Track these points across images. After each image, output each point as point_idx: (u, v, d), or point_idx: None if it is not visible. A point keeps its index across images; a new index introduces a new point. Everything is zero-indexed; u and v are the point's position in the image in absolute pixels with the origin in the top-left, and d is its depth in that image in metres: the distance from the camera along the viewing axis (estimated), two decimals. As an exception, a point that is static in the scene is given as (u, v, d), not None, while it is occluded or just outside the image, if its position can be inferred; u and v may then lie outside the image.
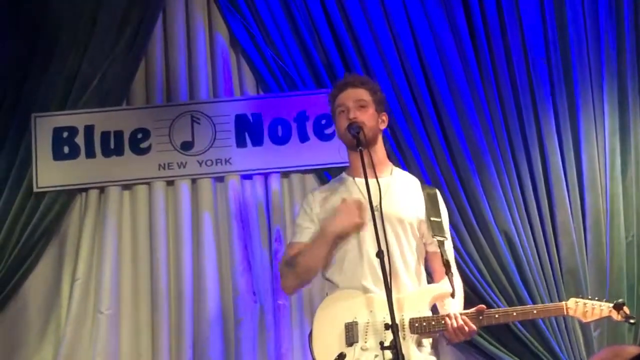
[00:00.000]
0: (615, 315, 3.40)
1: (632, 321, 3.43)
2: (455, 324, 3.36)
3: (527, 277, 4.40)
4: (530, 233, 4.48)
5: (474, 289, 4.37)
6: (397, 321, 3.21)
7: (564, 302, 3.50)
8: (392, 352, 3.14)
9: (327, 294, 3.57)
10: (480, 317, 3.41)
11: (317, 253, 3.50)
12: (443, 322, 3.38)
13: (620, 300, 3.44)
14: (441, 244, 3.56)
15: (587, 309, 3.43)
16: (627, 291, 4.35)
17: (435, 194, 3.70)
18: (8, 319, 4.65)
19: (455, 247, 4.40)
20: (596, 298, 3.48)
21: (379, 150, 3.65)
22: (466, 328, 3.37)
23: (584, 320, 3.46)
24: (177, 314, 4.55)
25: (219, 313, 4.53)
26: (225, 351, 4.50)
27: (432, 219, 3.57)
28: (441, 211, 3.66)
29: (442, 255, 3.55)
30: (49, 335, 4.63)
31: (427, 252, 3.64)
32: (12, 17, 4.79)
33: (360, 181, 3.48)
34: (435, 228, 3.57)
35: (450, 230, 4.35)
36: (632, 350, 2.14)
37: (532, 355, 4.34)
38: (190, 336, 4.50)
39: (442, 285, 3.55)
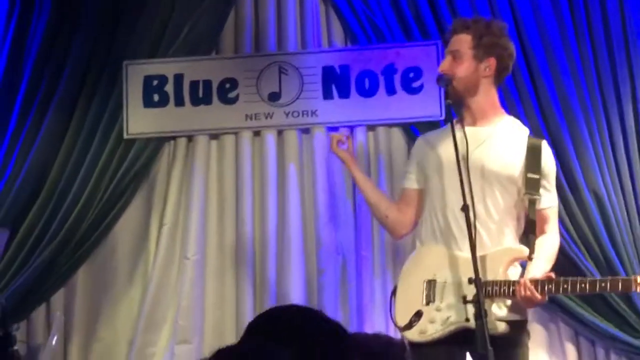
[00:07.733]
0: None
1: None
2: (522, 293, 3.27)
3: (615, 239, 4.31)
4: (620, 193, 4.37)
5: (561, 248, 4.28)
6: (477, 279, 3.15)
7: (632, 276, 3.16)
8: (474, 306, 3.09)
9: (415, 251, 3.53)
10: (549, 287, 3.22)
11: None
12: (514, 288, 3.27)
13: None
14: (531, 203, 3.35)
15: None
16: None
17: (539, 146, 3.38)
18: (98, 261, 4.76)
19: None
20: None
21: (482, 99, 3.41)
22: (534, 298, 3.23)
23: None
24: (260, 262, 4.61)
25: (302, 263, 4.56)
26: (307, 300, 4.52)
27: (528, 175, 3.34)
28: (542, 166, 3.37)
29: (527, 215, 3.36)
30: (137, 278, 4.74)
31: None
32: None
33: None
34: (529, 185, 3.34)
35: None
36: None
37: (617, 316, 4.28)
38: (274, 284, 4.55)
39: (523, 247, 3.40)
